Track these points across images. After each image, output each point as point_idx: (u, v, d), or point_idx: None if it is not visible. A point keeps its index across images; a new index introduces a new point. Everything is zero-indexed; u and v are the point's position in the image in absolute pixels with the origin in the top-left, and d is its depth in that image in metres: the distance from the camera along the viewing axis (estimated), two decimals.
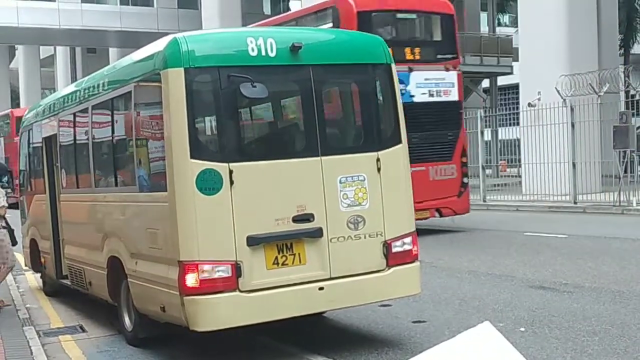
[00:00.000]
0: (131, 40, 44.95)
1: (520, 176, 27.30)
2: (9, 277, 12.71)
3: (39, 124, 11.46)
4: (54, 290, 11.47)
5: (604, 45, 28.77)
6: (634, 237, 14.84)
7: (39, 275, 12.33)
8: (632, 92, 24.33)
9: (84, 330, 8.96)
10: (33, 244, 11.91)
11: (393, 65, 7.52)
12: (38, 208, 11.50)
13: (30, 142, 12.21)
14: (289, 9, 49.67)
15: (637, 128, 21.27)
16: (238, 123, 7.25)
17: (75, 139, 9.81)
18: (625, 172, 20.92)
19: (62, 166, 10.37)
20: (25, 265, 12.89)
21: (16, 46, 65.83)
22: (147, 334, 7.82)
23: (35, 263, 11.87)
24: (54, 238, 10.79)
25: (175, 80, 6.55)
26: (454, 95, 17.04)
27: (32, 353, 7.42)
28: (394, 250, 7.21)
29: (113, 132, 8.43)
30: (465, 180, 17.21)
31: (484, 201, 25.26)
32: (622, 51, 39.91)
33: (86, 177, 9.39)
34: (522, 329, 7.81)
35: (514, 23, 45.51)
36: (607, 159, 22.79)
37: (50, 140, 10.94)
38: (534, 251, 13.45)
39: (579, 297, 9.25)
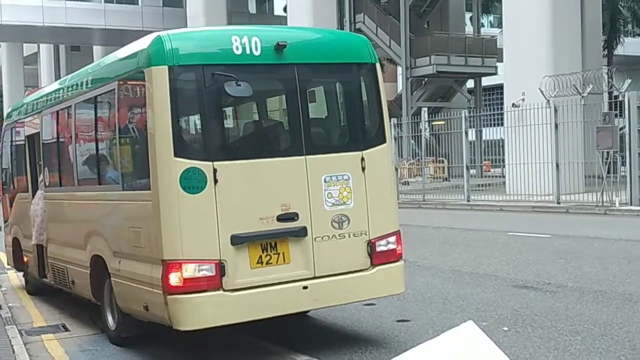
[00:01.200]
0: (115, 38, 44.79)
1: (504, 176, 27.43)
2: None
3: (22, 122, 11.38)
4: (36, 289, 11.39)
5: (588, 46, 28.99)
6: (616, 237, 14.95)
7: (21, 274, 12.24)
8: (615, 93, 24.49)
9: (66, 330, 8.91)
10: (15, 242, 11.83)
11: (377, 65, 7.53)
12: (21, 207, 11.42)
13: (13, 140, 12.13)
14: (273, 8, 49.64)
15: (620, 129, 21.42)
16: (222, 122, 7.24)
17: (58, 137, 9.75)
18: (608, 172, 21.07)
19: (45, 164, 10.31)
20: (8, 264, 12.80)
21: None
22: (130, 333, 7.78)
23: (18, 262, 11.79)
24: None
25: (159, 78, 6.52)
26: None
27: (14, 352, 7.36)
28: (378, 249, 7.22)
29: (96, 130, 8.39)
30: None
31: (468, 201, 25.37)
32: (605, 52, 40.21)
33: (69, 175, 9.34)
34: (505, 328, 7.84)
35: (499, 24, 45.71)
36: (590, 159, 22.95)
37: (33, 139, 10.87)
38: (518, 251, 13.51)
39: (562, 297, 9.30)
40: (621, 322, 7.87)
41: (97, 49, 54.75)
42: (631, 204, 20.32)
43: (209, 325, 6.58)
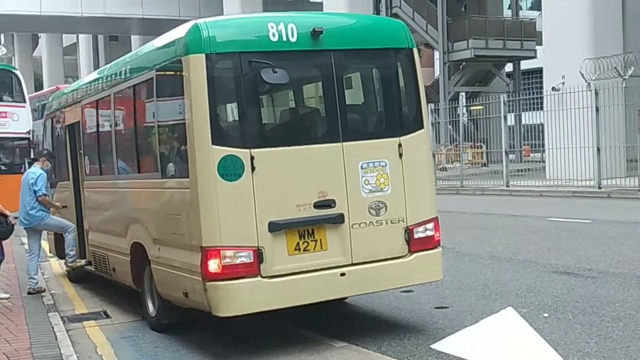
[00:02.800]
0: (153, 27, 45.08)
1: (544, 161, 27.10)
2: None
3: (62, 111, 11.53)
4: (78, 276, 11.56)
5: (629, 28, 28.36)
6: None
7: (63, 261, 12.43)
8: None
9: (107, 316, 9.04)
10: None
11: (415, 50, 7.46)
12: (62, 195, 11.58)
13: (54, 129, 12.30)
14: None
15: None
16: (259, 109, 7.24)
17: (97, 126, 9.86)
18: None
19: (85, 153, 10.44)
20: (50, 252, 13.01)
21: (39, 34, 66.26)
22: (170, 319, 7.87)
23: (60, 250, 11.97)
24: (77, 225, 10.87)
25: (196, 66, 6.54)
26: None
27: (56, 338, 7.48)
28: (416, 236, 7.18)
29: (135, 118, 8.46)
30: None
31: (507, 186, 25.11)
32: None
33: (109, 164, 9.44)
34: (546, 315, 7.76)
35: (538, 6, 45.02)
36: (631, 143, 22.55)
37: (73, 128, 11.00)
38: (558, 236, 13.35)
39: (603, 283, 9.17)
40: None
41: (135, 39, 55.21)
42: None
43: (247, 311, 6.62)
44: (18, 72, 25.34)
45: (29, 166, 11.38)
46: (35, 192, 10.24)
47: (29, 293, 10.04)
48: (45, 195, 10.35)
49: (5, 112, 23.81)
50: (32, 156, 12.81)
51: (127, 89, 8.47)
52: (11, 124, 23.67)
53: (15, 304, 9.36)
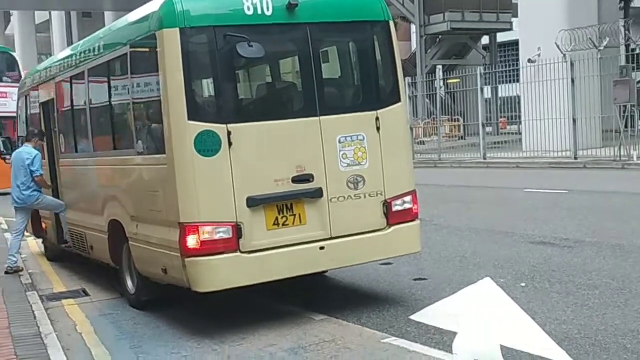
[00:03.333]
0: (126, 2, 44.37)
1: (520, 133, 27.27)
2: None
3: (36, 89, 11.39)
4: (55, 255, 11.51)
5: None
6: (634, 191, 14.87)
7: (40, 240, 12.36)
8: (632, 45, 24.15)
9: (86, 294, 9.01)
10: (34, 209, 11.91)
11: (391, 23, 7.43)
12: None
13: (28, 107, 12.15)
14: None
15: (638, 82, 21.16)
16: (235, 84, 7.19)
17: (72, 103, 9.75)
18: (626, 126, 20.91)
19: (60, 131, 10.33)
20: (27, 231, 12.91)
21: (11, 12, 65.22)
22: (149, 296, 7.86)
23: (37, 229, 11.89)
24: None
25: (170, 41, 6.48)
26: None
27: (35, 317, 7.45)
28: (394, 209, 7.21)
29: (110, 95, 8.37)
30: None
31: (484, 158, 25.27)
32: (621, 4, 39.53)
33: (84, 141, 9.36)
34: (523, 284, 7.85)
35: None
36: (607, 113, 22.75)
37: (47, 105, 10.88)
38: (534, 207, 13.48)
39: (580, 252, 9.28)
40: (639, 276, 7.85)
41: (108, 15, 54.49)
42: None
43: (227, 286, 6.63)
44: (15, 54, 25.78)
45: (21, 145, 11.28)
46: (32, 172, 10.14)
47: (6, 272, 9.98)
48: (42, 175, 10.26)
49: (5, 92, 24.64)
50: (19, 134, 12.69)
51: (101, 65, 8.37)
52: (11, 104, 23.94)
53: None
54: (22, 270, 10.21)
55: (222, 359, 6.12)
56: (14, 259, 10.21)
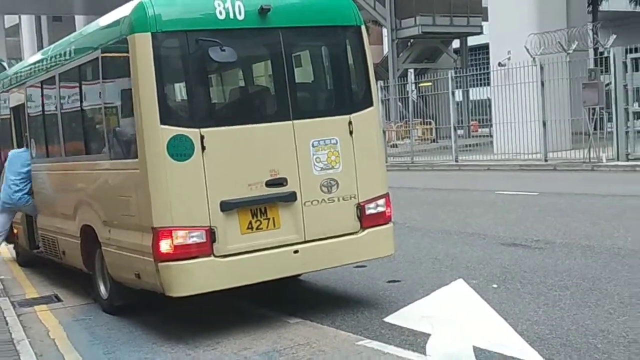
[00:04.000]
0: (97, 6, 44.08)
1: (491, 136, 27.49)
2: None
3: (6, 93, 11.28)
4: (27, 261, 11.40)
5: (573, 2, 28.85)
6: (603, 192, 15.05)
7: (11, 246, 12.23)
8: (600, 49, 24.46)
9: (59, 300, 8.94)
10: None
11: (363, 27, 7.48)
12: None
13: None
14: None
15: (606, 85, 21.44)
16: (208, 88, 7.20)
17: (43, 108, 9.68)
18: (595, 129, 21.15)
19: (32, 136, 10.24)
20: None
21: None
22: (123, 301, 7.82)
23: (8, 234, 11.75)
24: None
25: (142, 46, 6.46)
26: None
27: (7, 324, 7.39)
28: (368, 212, 7.25)
29: (82, 99, 8.33)
30: None
31: (456, 161, 25.44)
32: (590, 8, 40.04)
33: (56, 146, 9.29)
34: (495, 286, 7.93)
35: None
36: (576, 116, 23.01)
37: (18, 110, 10.79)
38: (506, 209, 13.60)
39: (550, 253, 9.39)
40: (609, 276, 7.96)
41: (79, 19, 54.04)
42: (618, 160, 20.42)
43: (201, 291, 6.62)
44: (4, 63, 25.79)
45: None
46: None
47: None
48: None
49: None
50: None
51: (73, 69, 8.33)
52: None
53: None
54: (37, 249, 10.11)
55: None
56: None
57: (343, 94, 7.51)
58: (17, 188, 10.12)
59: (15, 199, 10.15)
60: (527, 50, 23.14)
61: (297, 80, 7.26)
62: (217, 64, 6.90)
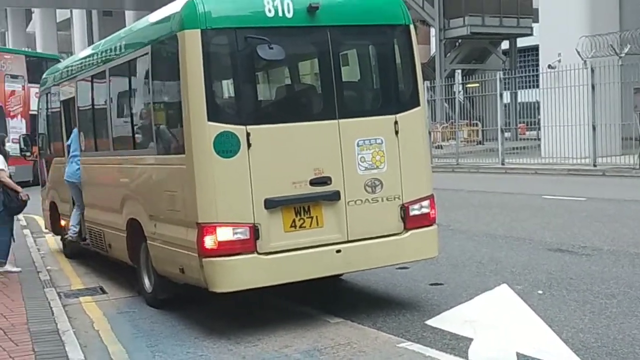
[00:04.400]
0: (147, 2, 44.73)
1: (539, 139, 27.13)
2: (30, 239, 12.88)
3: (57, 87, 11.48)
4: (73, 252, 11.58)
5: (626, 5, 28.28)
6: None
7: (59, 237, 12.45)
8: None
9: (104, 292, 9.06)
10: (53, 207, 12.01)
11: (411, 26, 7.43)
12: (57, 171, 11.57)
13: (49, 105, 12.25)
14: None
15: None
16: (255, 85, 7.22)
17: (93, 102, 9.82)
18: None
19: (81, 129, 10.40)
20: (45, 228, 13.01)
21: (33, 10, 65.74)
22: (167, 295, 7.89)
23: (55, 226, 11.98)
24: (73, 201, 10.86)
25: (192, 42, 6.51)
26: None
27: (53, 314, 7.50)
28: (412, 213, 7.19)
29: (131, 94, 8.44)
30: None
31: (503, 164, 25.16)
32: None
33: (105, 140, 9.42)
34: (540, 292, 7.81)
35: None
36: (627, 121, 22.59)
37: (68, 104, 10.96)
38: (553, 214, 13.40)
39: (598, 260, 9.22)
40: None
41: (129, 14, 54.82)
42: None
43: (243, 287, 6.65)
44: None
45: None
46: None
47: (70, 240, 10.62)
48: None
49: None
50: (40, 132, 12.82)
51: (122, 64, 8.43)
52: None
53: (12, 280, 9.38)
54: (84, 240, 10.51)
55: None
56: (75, 229, 10.60)
57: (389, 94, 7.46)
58: (78, 166, 10.32)
59: (77, 175, 10.35)
60: (578, 52, 22.79)
61: (343, 79, 7.24)
62: (264, 61, 6.92)
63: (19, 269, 9.98)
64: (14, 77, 28.04)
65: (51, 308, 7.76)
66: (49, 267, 10.65)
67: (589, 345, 6.01)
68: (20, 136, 13.09)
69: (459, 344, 6.17)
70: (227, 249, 6.49)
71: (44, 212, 12.73)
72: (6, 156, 10.19)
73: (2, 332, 6.79)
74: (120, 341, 6.88)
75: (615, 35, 23.13)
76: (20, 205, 10.01)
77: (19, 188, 9.92)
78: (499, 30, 38.68)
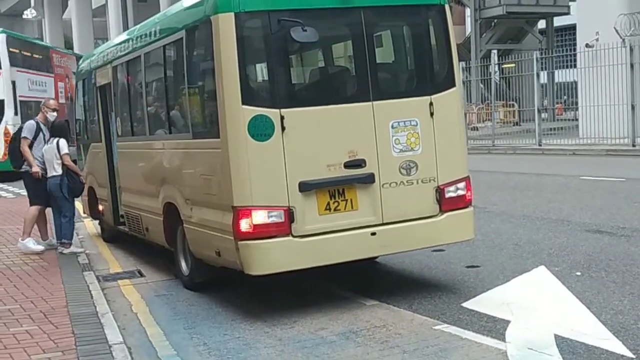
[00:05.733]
0: None
1: (577, 119, 26.76)
2: None
3: (93, 73, 11.58)
4: (112, 236, 11.72)
5: None
6: None
7: (97, 222, 12.61)
8: None
9: (142, 275, 9.17)
10: (91, 191, 12.14)
11: (447, 6, 7.34)
12: (95, 156, 11.70)
13: (85, 91, 12.36)
14: None
15: None
16: (289, 68, 7.20)
17: (128, 87, 9.90)
18: None
19: (117, 114, 10.49)
20: (84, 213, 13.19)
21: None
22: (203, 278, 7.96)
23: (93, 210, 12.12)
24: (110, 185, 10.98)
25: (225, 26, 6.51)
26: None
27: (92, 297, 7.61)
28: (447, 195, 7.14)
29: (166, 79, 8.48)
30: None
31: (540, 145, 24.89)
32: None
33: (140, 124, 9.49)
34: (578, 273, 7.72)
35: None
36: None
37: (104, 89, 11.05)
38: (591, 195, 13.23)
39: (637, 241, 9.09)
40: None
41: (163, 0, 55.02)
42: None
43: (279, 270, 6.67)
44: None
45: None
46: None
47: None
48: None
49: None
50: (76, 117, 13.01)
51: (157, 49, 8.47)
52: None
53: (51, 264, 9.53)
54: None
55: (274, 342, 6.16)
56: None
57: (424, 75, 7.39)
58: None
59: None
60: (617, 31, 22.38)
61: (377, 61, 7.18)
62: (298, 44, 6.90)
63: (82, 249, 10.43)
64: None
65: (90, 291, 7.87)
66: (87, 251, 10.79)
67: (628, 327, 5.94)
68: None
69: (496, 326, 6.14)
70: (262, 232, 6.51)
71: (82, 198, 12.87)
72: (69, 141, 10.45)
73: (42, 314, 6.91)
74: (158, 324, 6.96)
75: None
76: (81, 188, 10.48)
77: (79, 171, 10.40)
78: (535, 9, 38.17)
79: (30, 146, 10.18)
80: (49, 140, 10.22)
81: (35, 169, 10.13)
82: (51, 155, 10.09)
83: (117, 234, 11.35)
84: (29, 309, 7.12)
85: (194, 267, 7.94)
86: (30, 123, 10.44)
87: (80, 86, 12.66)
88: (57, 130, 10.33)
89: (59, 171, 10.06)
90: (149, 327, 6.86)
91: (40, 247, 10.30)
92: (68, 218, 10.26)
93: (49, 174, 10.11)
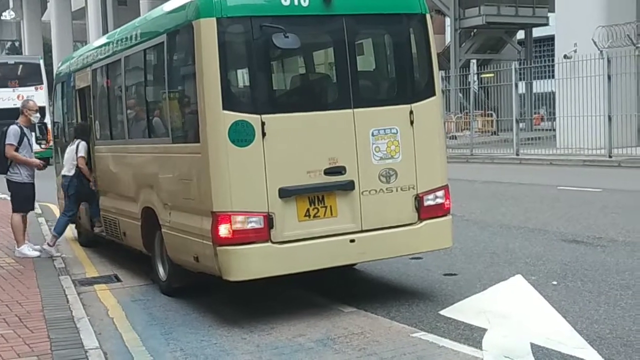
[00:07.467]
0: None
1: (554, 130, 26.98)
2: (45, 227, 12.95)
3: (73, 75, 11.50)
4: (88, 240, 11.64)
5: None
6: None
7: (73, 225, 12.50)
8: None
9: (118, 280, 9.11)
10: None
11: (428, 16, 7.39)
12: None
13: (64, 94, 12.28)
14: None
15: None
16: (270, 74, 7.21)
17: (108, 91, 9.85)
18: None
19: (96, 118, 10.43)
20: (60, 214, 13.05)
21: None
22: (181, 283, 7.93)
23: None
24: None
25: (207, 31, 6.50)
26: None
27: (68, 301, 7.54)
28: (426, 203, 7.18)
29: (146, 83, 8.45)
30: None
31: (517, 155, 25.06)
32: None
33: (119, 128, 9.45)
34: (555, 283, 7.78)
35: None
36: None
37: (83, 92, 10.99)
38: (568, 205, 13.34)
39: (613, 251, 9.18)
40: None
41: (143, 3, 54.69)
42: None
43: (257, 276, 6.66)
44: None
45: None
46: None
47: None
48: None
49: None
50: (54, 120, 13.01)
51: (138, 53, 8.44)
52: None
53: (27, 267, 9.44)
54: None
55: (251, 348, 6.15)
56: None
57: (405, 83, 7.44)
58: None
59: None
60: (595, 43, 22.61)
61: (359, 69, 7.21)
62: (280, 50, 6.91)
63: (59, 253, 10.36)
64: None
65: (66, 295, 7.81)
66: (63, 255, 10.70)
67: (604, 336, 5.99)
68: (36, 124, 13.12)
69: (472, 334, 6.16)
70: (241, 238, 6.50)
71: (59, 201, 12.77)
72: (89, 144, 10.44)
73: (17, 319, 6.84)
74: (134, 329, 6.92)
75: (632, 25, 22.93)
76: (89, 194, 10.44)
77: (90, 177, 10.35)
78: (514, 20, 38.48)
79: (15, 152, 10.01)
80: (70, 142, 10.49)
81: (35, 161, 10.14)
82: (71, 156, 10.34)
83: (94, 238, 11.26)
84: (4, 313, 7.05)
85: (172, 272, 7.90)
86: (14, 128, 10.06)
87: (59, 89, 12.58)
88: (79, 131, 10.52)
89: (72, 172, 10.28)
90: (125, 332, 6.82)
91: (36, 253, 10.18)
92: (67, 217, 10.50)
93: (63, 172, 10.40)
